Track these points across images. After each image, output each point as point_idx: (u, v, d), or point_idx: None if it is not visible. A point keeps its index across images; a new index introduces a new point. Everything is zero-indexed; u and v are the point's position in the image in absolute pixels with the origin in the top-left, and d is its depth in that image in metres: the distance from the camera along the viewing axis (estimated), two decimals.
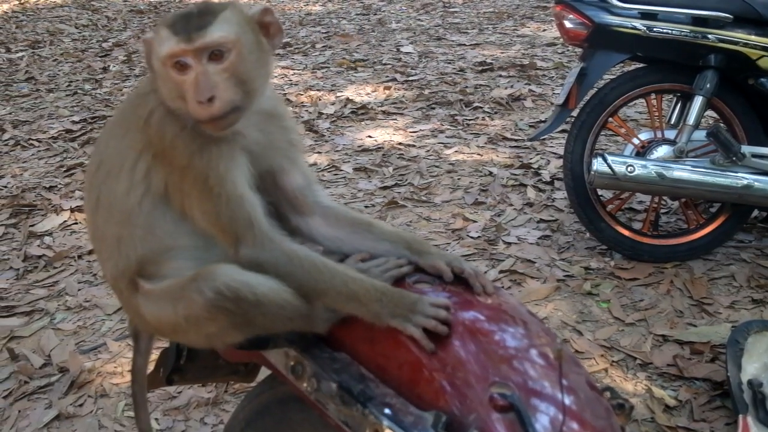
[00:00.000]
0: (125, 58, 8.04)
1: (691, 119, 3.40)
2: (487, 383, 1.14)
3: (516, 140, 5.12)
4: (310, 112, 5.95)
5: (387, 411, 1.15)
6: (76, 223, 4.30)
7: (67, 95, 6.86)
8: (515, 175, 4.58)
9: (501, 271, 3.57)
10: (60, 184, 4.85)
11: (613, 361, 2.92)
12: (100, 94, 6.81)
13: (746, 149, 3.33)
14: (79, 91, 6.92)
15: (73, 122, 6.06)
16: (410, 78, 6.66)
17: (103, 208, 1.43)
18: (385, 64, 7.19)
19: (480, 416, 1.11)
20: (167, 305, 1.37)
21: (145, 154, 1.37)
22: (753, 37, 3.29)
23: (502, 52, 7.29)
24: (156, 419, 2.74)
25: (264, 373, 1.59)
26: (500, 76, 6.55)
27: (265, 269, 1.30)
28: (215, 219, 1.33)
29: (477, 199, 4.30)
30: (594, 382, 1.24)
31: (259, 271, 1.31)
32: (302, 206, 1.51)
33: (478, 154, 4.93)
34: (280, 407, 1.52)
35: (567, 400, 1.11)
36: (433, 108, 5.88)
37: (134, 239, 1.40)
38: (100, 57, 8.17)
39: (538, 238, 3.85)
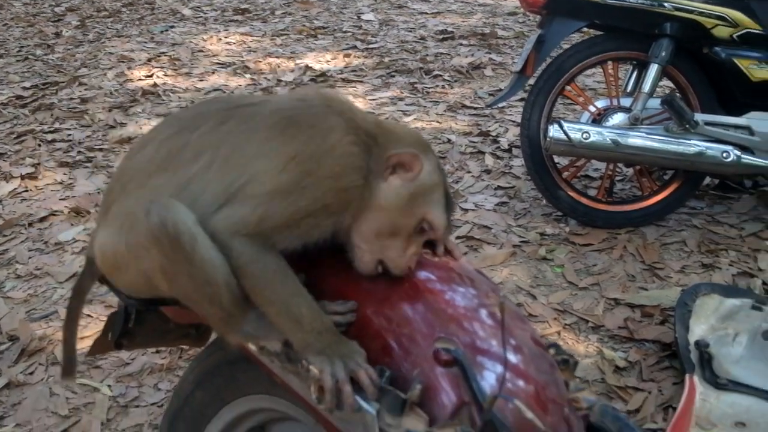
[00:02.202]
0: (78, 23, 7.83)
1: (646, 87, 3.43)
2: (432, 340, 1.14)
3: (475, 108, 5.12)
4: (269, 80, 5.88)
5: None
6: (26, 191, 4.21)
7: (17, 61, 6.67)
8: (474, 142, 4.59)
9: (458, 237, 3.58)
10: (10, 151, 4.73)
11: (565, 324, 2.96)
12: (52, 59, 6.64)
13: (699, 117, 3.38)
14: (30, 57, 6.74)
15: (24, 88, 5.90)
16: (371, 46, 6.61)
17: (184, 189, 1.32)
18: (345, 32, 7.13)
19: (424, 371, 1.11)
20: (115, 226, 1.33)
21: (293, 164, 1.28)
22: (708, 6, 3.32)
23: (464, 21, 7.26)
24: (109, 386, 2.72)
25: (216, 336, 1.58)
26: (461, 44, 6.53)
27: (233, 256, 1.24)
28: (273, 219, 1.26)
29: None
30: (539, 338, 1.26)
31: (232, 255, 1.25)
32: None
33: (437, 122, 4.92)
34: (229, 368, 1.51)
35: (510, 354, 1.12)
36: (393, 76, 5.85)
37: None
38: (52, 22, 7.96)
39: (495, 205, 3.87)
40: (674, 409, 2.44)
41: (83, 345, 2.86)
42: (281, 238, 1.26)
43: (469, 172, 4.23)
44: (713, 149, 3.34)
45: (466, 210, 3.83)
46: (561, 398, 1.19)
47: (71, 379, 1.86)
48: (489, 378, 1.10)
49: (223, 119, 1.37)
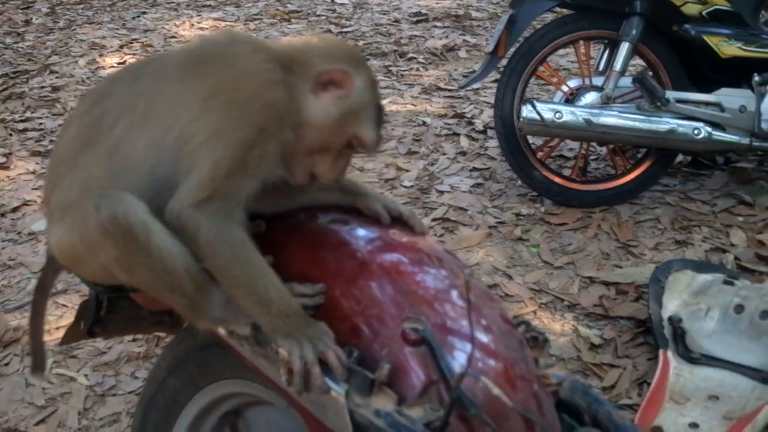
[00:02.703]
0: (49, 10, 7.71)
1: (618, 66, 3.44)
2: (401, 320, 1.15)
3: (450, 90, 5.12)
4: None
5: None
6: None
7: None
8: (449, 124, 4.59)
9: (434, 219, 3.59)
10: None
11: (541, 304, 2.98)
12: (22, 47, 6.53)
13: (671, 95, 3.40)
14: None
15: None
16: (345, 29, 6.57)
17: (116, 154, 1.31)
18: (319, 16, 7.08)
19: (392, 351, 1.12)
20: (68, 223, 1.31)
21: (214, 99, 1.27)
22: None
23: (437, 3, 7.23)
24: (85, 375, 2.70)
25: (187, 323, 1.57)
26: (435, 26, 6.51)
27: (197, 237, 1.21)
28: (218, 170, 1.23)
29: (410, 148, 4.31)
30: (507, 316, 1.26)
31: (179, 231, 1.23)
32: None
33: (412, 104, 4.92)
34: (200, 353, 1.51)
35: (478, 333, 1.12)
36: (368, 59, 5.81)
37: (123, 182, 1.29)
38: (21, 9, 7.82)
39: (471, 186, 3.88)
40: (649, 384, 2.47)
41: (59, 335, 2.84)
42: (238, 187, 1.24)
43: (444, 154, 4.23)
44: (685, 126, 3.36)
45: (442, 192, 3.83)
46: (530, 375, 1.20)
47: (41, 375, 1.85)
48: (457, 357, 1.11)
49: (134, 77, 1.38)
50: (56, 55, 6.27)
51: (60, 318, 2.95)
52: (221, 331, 1.27)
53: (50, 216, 1.40)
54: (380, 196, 1.45)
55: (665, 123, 3.37)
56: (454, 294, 1.25)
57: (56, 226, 1.35)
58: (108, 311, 1.67)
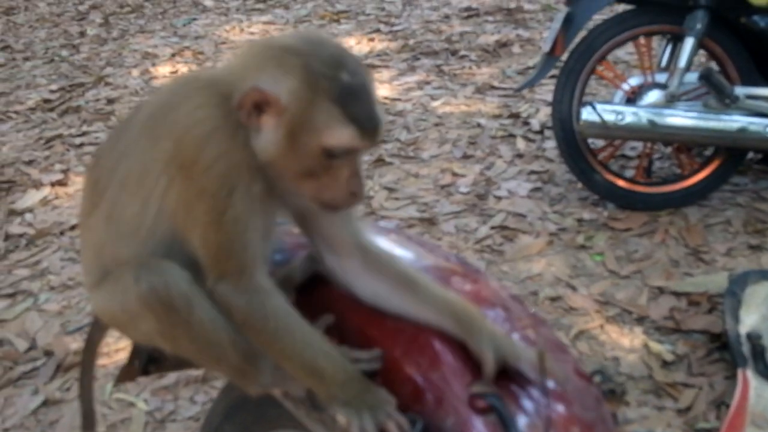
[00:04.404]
0: (102, 20, 7.81)
1: (682, 62, 3.28)
2: (467, 384, 1.06)
3: (504, 89, 4.98)
4: None
5: None
6: (56, 198, 4.20)
7: (44, 63, 6.67)
8: (504, 125, 4.46)
9: (492, 227, 3.49)
10: (39, 157, 4.73)
11: (608, 317, 2.86)
12: (78, 60, 6.63)
13: (739, 91, 3.22)
14: (56, 58, 6.73)
15: (51, 91, 5.89)
16: (394, 28, 6.48)
17: (110, 220, 1.28)
18: (368, 15, 6.99)
19: (459, 420, 1.03)
20: (110, 291, 1.27)
21: (170, 166, 1.17)
22: None
23: None
24: (145, 400, 2.69)
25: None
26: (486, 21, 6.37)
27: (233, 313, 1.16)
28: (213, 248, 1.16)
29: (466, 152, 4.20)
30: (582, 369, 1.17)
31: (226, 308, 1.17)
32: (338, 246, 1.26)
33: (466, 105, 4.80)
34: (256, 402, 1.45)
35: (552, 399, 1.03)
36: (419, 59, 5.72)
37: (127, 248, 1.27)
38: (76, 21, 7.94)
39: (530, 191, 3.76)
40: (727, 406, 2.33)
41: (118, 357, 2.85)
42: (240, 257, 1.14)
43: (500, 157, 4.11)
44: (756, 124, 3.19)
45: (500, 198, 3.72)
46: None
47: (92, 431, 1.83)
48: (531, 427, 1.02)
49: (118, 137, 1.32)
50: (110, 66, 6.34)
51: (120, 338, 2.94)
52: (275, 392, 1.21)
53: (86, 275, 1.38)
54: (499, 337, 1.13)
55: (735, 121, 3.19)
56: (522, 341, 1.16)
57: (96, 291, 1.33)
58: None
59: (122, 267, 1.23)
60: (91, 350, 1.63)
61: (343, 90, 1.08)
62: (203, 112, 1.13)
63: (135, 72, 6.11)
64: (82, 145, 4.86)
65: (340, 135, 1.09)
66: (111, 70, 6.25)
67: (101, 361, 2.89)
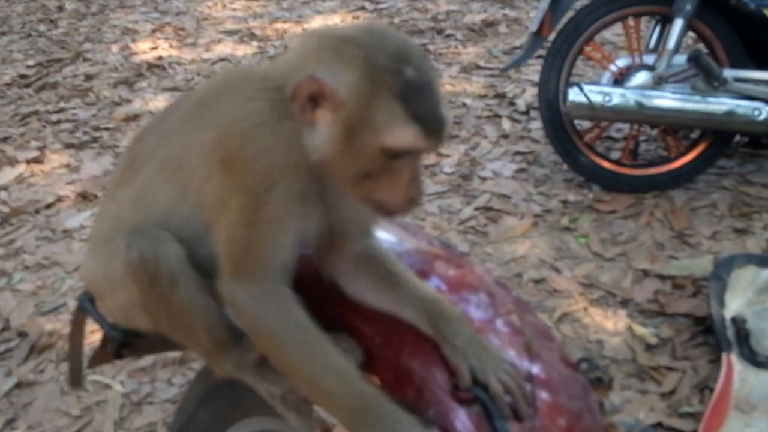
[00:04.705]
0: None
1: (671, 43, 3.23)
2: (450, 374, 1.02)
3: (490, 68, 4.92)
4: (276, 47, 5.71)
5: None
6: (32, 176, 4.11)
7: (21, 38, 6.53)
8: (489, 105, 4.41)
9: (476, 208, 3.45)
10: (15, 134, 4.62)
11: (592, 299, 2.83)
12: (55, 35, 6.49)
13: (728, 73, 3.18)
14: (33, 33, 6.59)
15: (28, 66, 5.77)
16: (379, 6, 6.39)
17: (141, 199, 1.23)
18: None
19: (441, 410, 0.99)
20: (100, 254, 1.24)
21: (211, 157, 1.11)
22: None
23: None
24: (121, 382, 2.64)
25: None
26: (473, 0, 6.29)
27: (241, 317, 1.10)
28: (238, 246, 1.09)
29: (450, 132, 4.14)
30: (568, 357, 1.13)
31: (233, 310, 1.12)
32: (338, 244, 1.22)
33: (451, 85, 4.74)
34: (231, 387, 1.40)
35: (538, 387, 0.99)
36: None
37: (138, 217, 1.22)
38: None
39: (514, 172, 3.72)
40: (711, 390, 2.31)
41: (94, 339, 2.78)
42: (265, 261, 1.08)
43: (485, 137, 4.06)
44: (744, 107, 3.15)
45: (484, 178, 3.68)
46: (597, 426, 1.06)
47: (78, 388, 1.78)
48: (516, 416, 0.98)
49: (163, 119, 1.29)
50: (89, 41, 6.22)
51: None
52: (248, 379, 1.17)
53: (89, 243, 1.35)
54: (475, 349, 1.06)
55: (723, 104, 3.16)
56: (506, 326, 1.11)
57: (89, 253, 1.30)
58: (135, 333, 1.58)
59: (119, 230, 1.19)
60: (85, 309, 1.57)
61: (407, 86, 1.01)
62: (251, 105, 1.08)
63: (114, 48, 5.99)
64: (59, 121, 4.76)
65: (403, 135, 1.01)
66: (89, 45, 6.13)
67: None
